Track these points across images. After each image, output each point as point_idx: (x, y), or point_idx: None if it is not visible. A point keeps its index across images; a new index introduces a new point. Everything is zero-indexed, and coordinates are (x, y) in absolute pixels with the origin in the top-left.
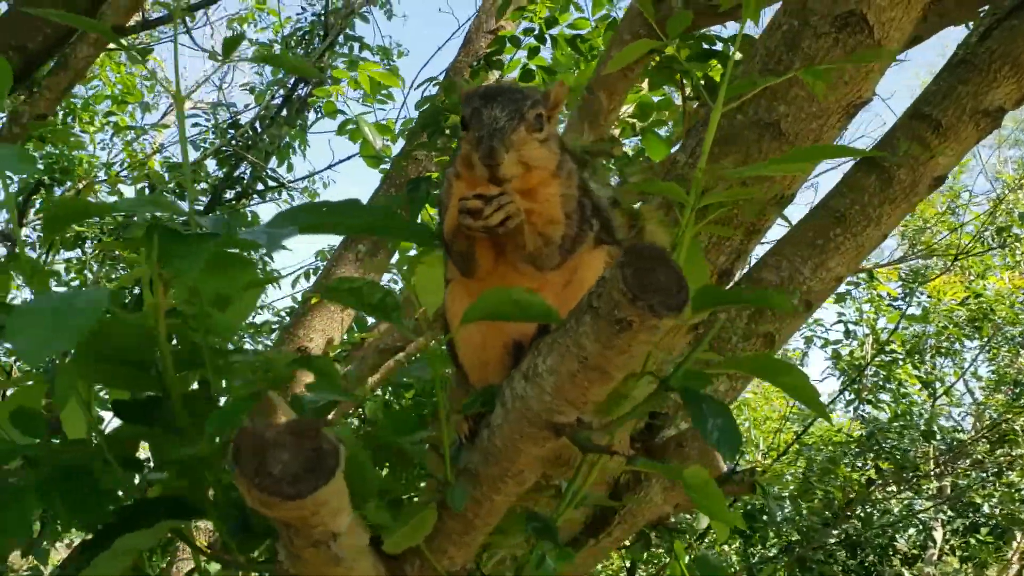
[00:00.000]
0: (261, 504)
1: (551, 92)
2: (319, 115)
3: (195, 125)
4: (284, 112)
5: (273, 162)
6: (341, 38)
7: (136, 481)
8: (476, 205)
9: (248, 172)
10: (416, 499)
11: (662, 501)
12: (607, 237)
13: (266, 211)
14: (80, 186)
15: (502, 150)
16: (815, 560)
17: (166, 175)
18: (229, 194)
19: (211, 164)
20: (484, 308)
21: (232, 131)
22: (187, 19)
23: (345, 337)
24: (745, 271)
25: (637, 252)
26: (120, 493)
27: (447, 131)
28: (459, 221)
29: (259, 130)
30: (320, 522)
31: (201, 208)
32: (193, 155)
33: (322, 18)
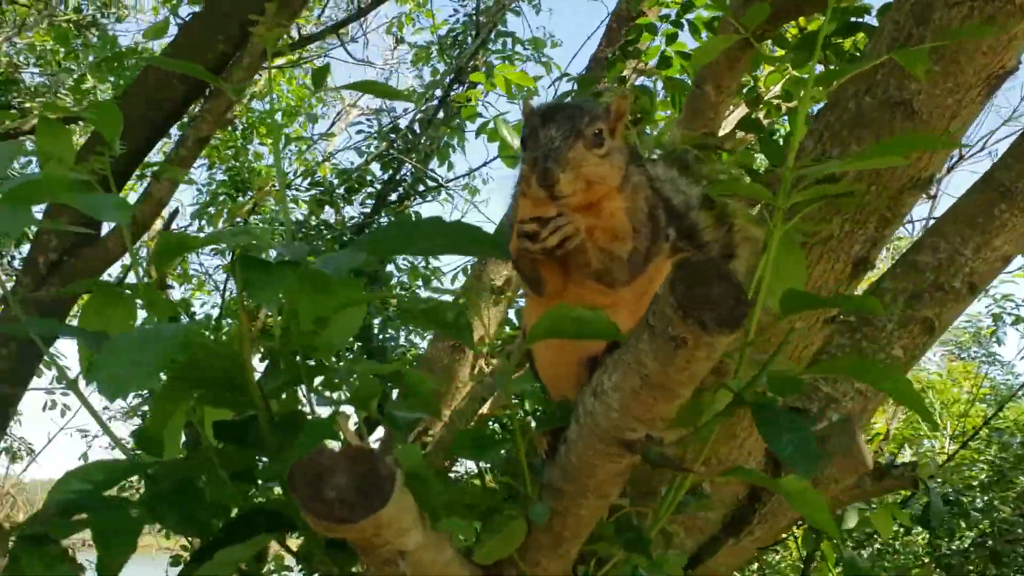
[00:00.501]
0: (319, 527)
1: (612, 105)
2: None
3: (359, 132)
4: (441, 114)
5: (435, 162)
6: (493, 35)
7: (249, 493)
8: (533, 229)
9: (410, 174)
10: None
11: None
12: (687, 244)
13: (428, 210)
14: (256, 195)
15: (557, 170)
16: (1007, 554)
17: (334, 181)
18: (393, 196)
19: (376, 168)
20: (546, 327)
21: (393, 135)
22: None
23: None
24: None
25: (690, 266)
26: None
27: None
28: (518, 244)
29: (418, 132)
30: (385, 542)
31: (367, 211)
32: (357, 161)
33: (473, 17)
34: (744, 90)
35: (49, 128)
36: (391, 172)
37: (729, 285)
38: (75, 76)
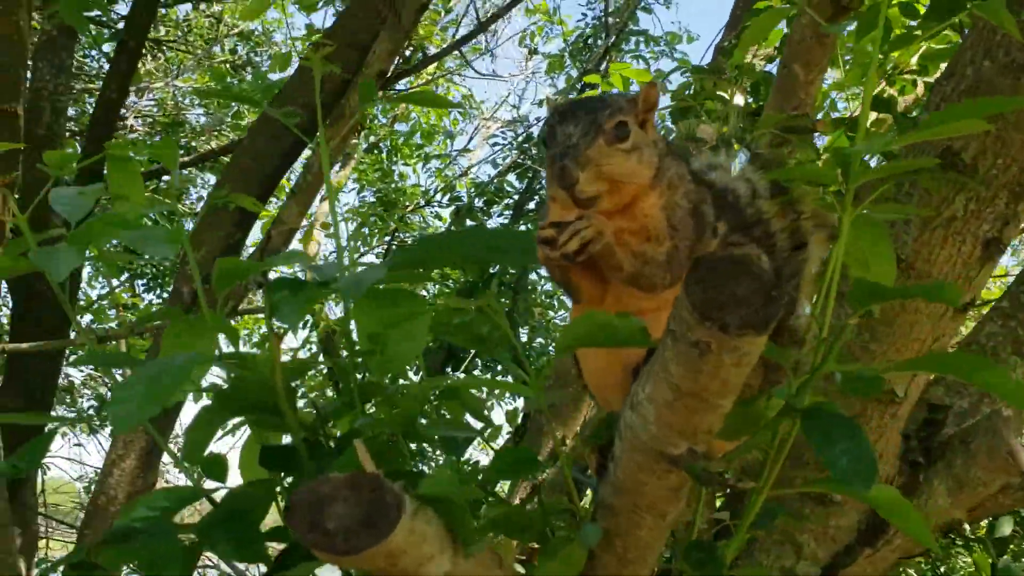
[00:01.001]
0: (326, 559)
1: (640, 95)
2: None
3: (495, 145)
4: None
5: None
6: (624, 35)
7: None
8: (550, 234)
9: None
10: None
11: (949, 505)
12: (743, 237)
13: None
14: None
15: (575, 170)
16: None
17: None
18: (531, 205)
19: (513, 179)
20: (574, 336)
21: (527, 144)
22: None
23: None
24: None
25: (709, 263)
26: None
27: (702, 117)
28: (539, 251)
29: None
30: (404, 572)
31: (507, 222)
32: (492, 172)
33: (602, 20)
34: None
35: (119, 168)
36: (527, 181)
37: (757, 281)
38: (231, 112)
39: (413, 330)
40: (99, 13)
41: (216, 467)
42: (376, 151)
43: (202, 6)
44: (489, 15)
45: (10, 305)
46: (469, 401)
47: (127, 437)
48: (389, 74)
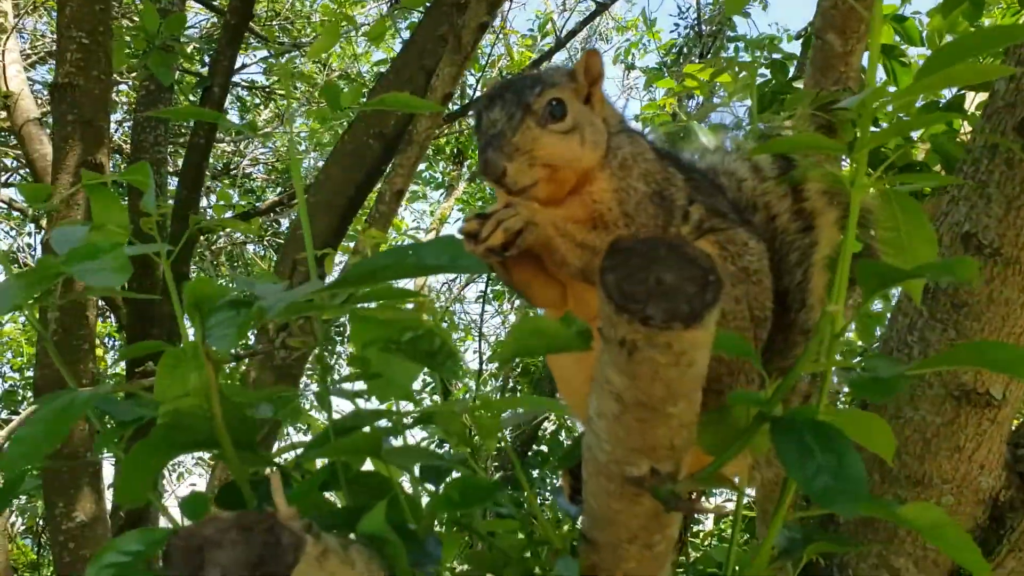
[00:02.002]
0: None
1: (578, 66)
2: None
3: None
4: None
5: None
6: (720, 41)
7: None
8: (472, 228)
9: None
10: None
11: None
12: (722, 222)
13: None
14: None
15: (500, 160)
16: None
17: None
18: None
19: None
20: (514, 345)
21: None
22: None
23: None
24: None
25: (625, 249)
26: None
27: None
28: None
29: None
30: None
31: None
32: None
33: (694, 30)
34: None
35: (100, 196)
36: None
37: (688, 264)
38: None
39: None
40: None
41: (196, 505)
42: (479, 180)
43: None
44: (565, 34)
45: None
46: (449, 424)
47: None
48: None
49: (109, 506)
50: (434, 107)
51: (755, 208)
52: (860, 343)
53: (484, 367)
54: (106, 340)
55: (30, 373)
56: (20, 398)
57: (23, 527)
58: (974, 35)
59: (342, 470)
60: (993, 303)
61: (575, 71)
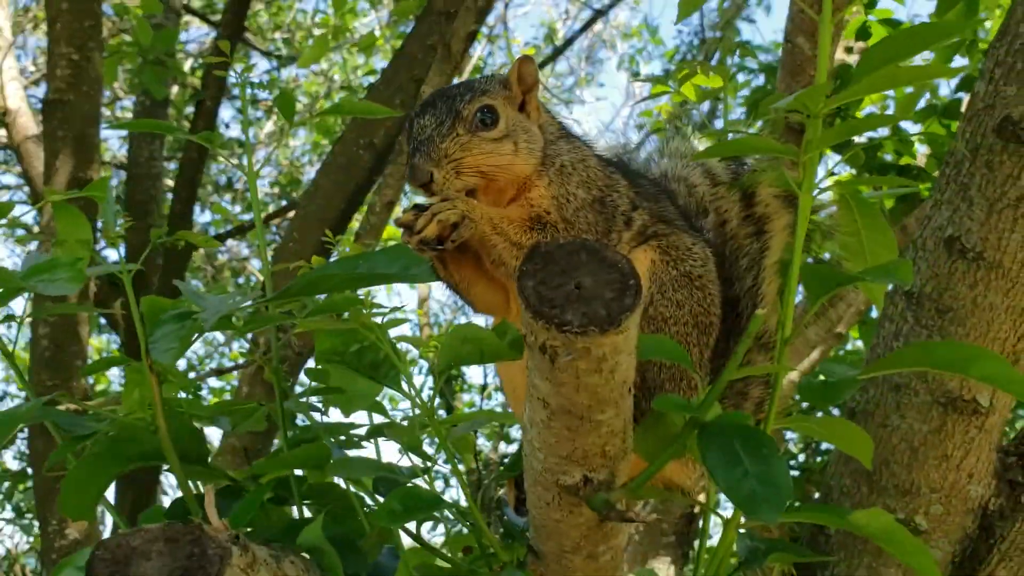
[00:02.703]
0: None
1: (512, 73)
2: None
3: None
4: None
5: None
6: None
7: None
8: (407, 219)
9: None
10: None
11: None
12: (667, 227)
13: None
14: None
15: (427, 165)
16: None
17: None
18: None
19: None
20: (448, 355)
21: None
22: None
23: None
24: None
25: (544, 253)
26: None
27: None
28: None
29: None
30: None
31: None
32: None
33: (698, 36)
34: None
35: (65, 213)
36: None
37: (606, 269)
38: None
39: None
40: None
41: (152, 521)
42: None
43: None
44: (563, 42)
45: None
46: (402, 438)
47: None
48: None
49: (109, 523)
50: (390, 112)
51: (705, 212)
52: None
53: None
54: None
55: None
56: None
57: (27, 546)
58: (908, 32)
59: (295, 482)
60: (977, 308)
61: (508, 78)
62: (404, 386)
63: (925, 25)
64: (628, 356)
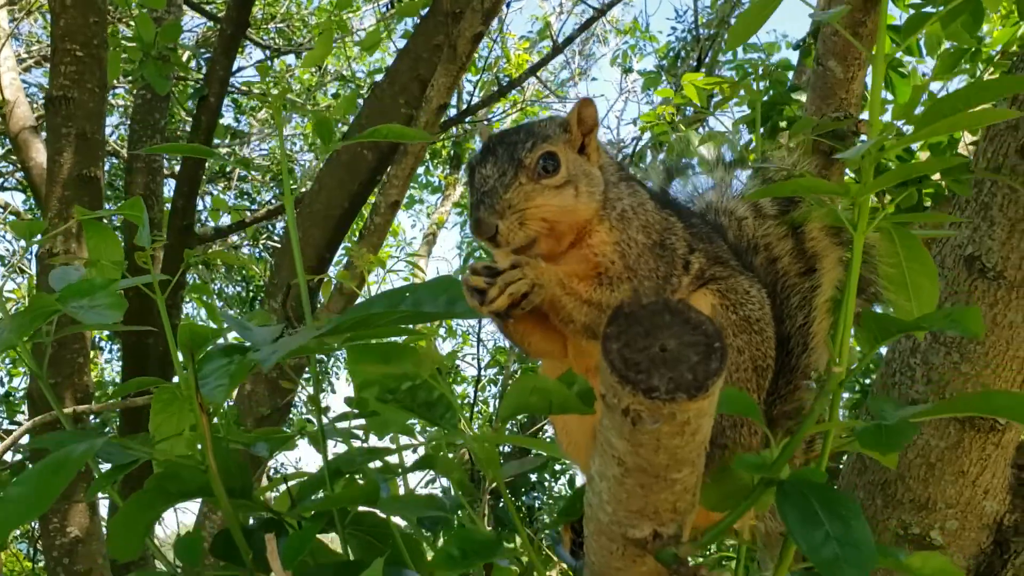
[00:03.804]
0: None
1: (571, 116)
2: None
3: None
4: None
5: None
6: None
7: None
8: (478, 283)
9: None
10: None
11: None
12: (723, 270)
13: None
14: None
15: (492, 218)
16: None
17: None
18: None
19: None
20: (514, 404)
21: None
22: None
23: None
24: None
25: (628, 313)
26: None
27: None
28: (469, 302)
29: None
30: None
31: None
32: None
33: (691, 33)
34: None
35: (95, 231)
36: None
37: (693, 331)
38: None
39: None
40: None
41: (189, 548)
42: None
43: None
44: (563, 40)
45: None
46: (448, 472)
47: None
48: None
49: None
50: (423, 136)
51: (756, 250)
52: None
53: (482, 373)
54: (103, 344)
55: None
56: (19, 405)
57: (18, 531)
58: (975, 86)
59: (339, 515)
60: (997, 326)
61: (568, 121)
62: (462, 427)
63: (996, 80)
64: (709, 418)
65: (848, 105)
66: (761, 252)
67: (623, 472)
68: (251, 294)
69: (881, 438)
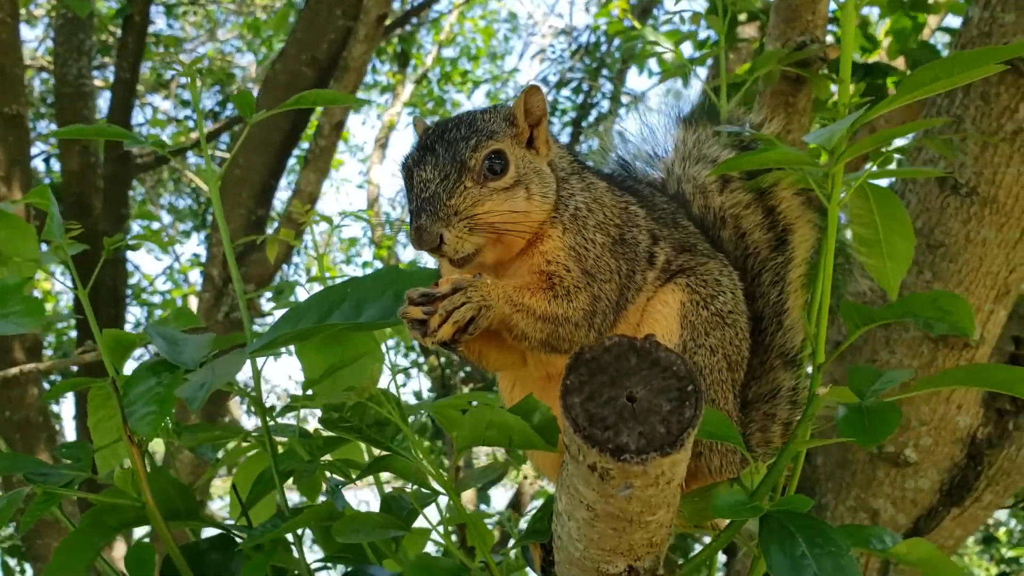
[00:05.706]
0: None
1: (517, 107)
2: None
3: (543, 61)
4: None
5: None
6: None
7: None
8: (416, 315)
9: (608, 92)
10: None
11: None
12: (691, 258)
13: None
14: None
15: (436, 228)
16: None
17: None
18: (592, 117)
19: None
20: (468, 438)
21: (583, 58)
22: None
23: None
24: None
25: (589, 360)
26: None
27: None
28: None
29: (605, 46)
30: None
31: (568, 141)
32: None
33: None
34: None
35: (7, 223)
36: (582, 96)
37: (663, 373)
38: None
39: (364, 366)
40: None
41: (140, 560)
42: (426, 81)
43: None
44: None
45: None
46: (404, 473)
47: None
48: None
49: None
50: (354, 100)
51: (723, 222)
52: None
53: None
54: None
55: None
56: None
57: None
58: (953, 58)
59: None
60: (970, 243)
61: (514, 113)
62: (415, 454)
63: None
64: (683, 464)
65: (814, 27)
66: (729, 225)
67: (592, 517)
68: (202, 206)
69: (864, 424)
